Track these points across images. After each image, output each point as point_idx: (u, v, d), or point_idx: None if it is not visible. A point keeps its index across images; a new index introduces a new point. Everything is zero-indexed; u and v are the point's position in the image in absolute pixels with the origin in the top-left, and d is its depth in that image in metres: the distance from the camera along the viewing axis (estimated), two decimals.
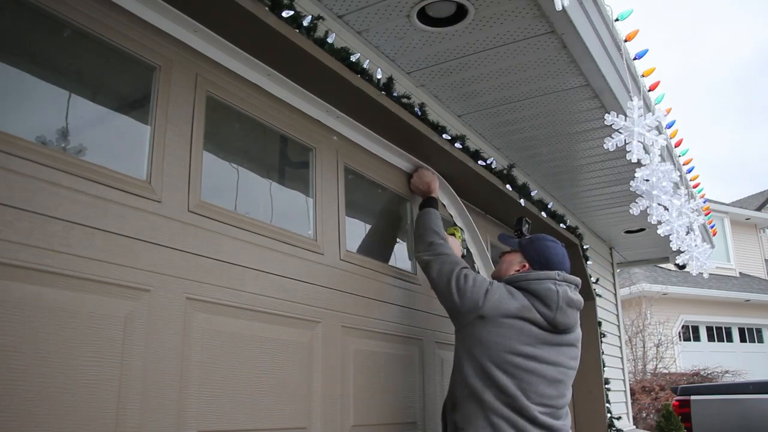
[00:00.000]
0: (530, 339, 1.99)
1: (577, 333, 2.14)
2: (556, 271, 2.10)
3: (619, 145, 2.42)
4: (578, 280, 2.16)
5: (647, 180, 2.54)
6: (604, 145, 2.42)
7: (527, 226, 2.53)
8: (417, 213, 2.55)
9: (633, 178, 2.57)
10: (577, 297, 2.12)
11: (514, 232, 2.52)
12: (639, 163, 2.47)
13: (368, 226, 2.73)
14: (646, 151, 2.47)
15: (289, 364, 1.93)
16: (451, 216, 3.00)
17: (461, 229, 2.92)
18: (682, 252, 3.07)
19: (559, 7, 1.91)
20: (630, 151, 2.38)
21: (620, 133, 2.40)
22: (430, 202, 2.53)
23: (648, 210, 2.59)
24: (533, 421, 1.93)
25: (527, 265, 2.20)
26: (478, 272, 2.81)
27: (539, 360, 1.99)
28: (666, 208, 2.67)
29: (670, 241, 2.78)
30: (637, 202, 2.63)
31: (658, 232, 2.76)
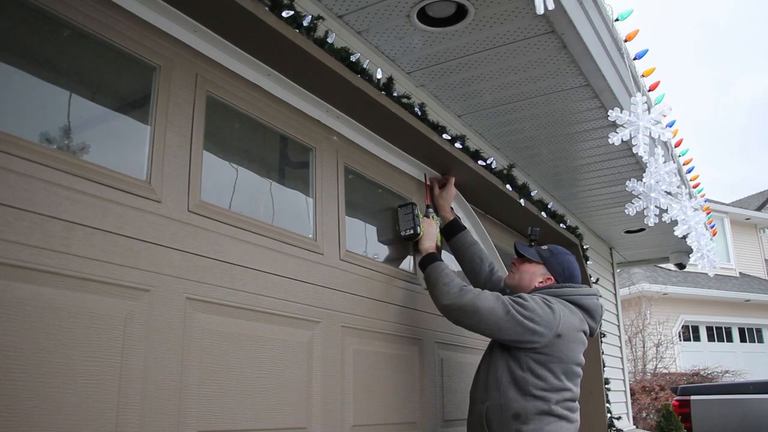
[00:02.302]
0: (583, 348, 2.21)
1: None
2: (585, 286, 2.29)
3: (624, 139, 2.42)
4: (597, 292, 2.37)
5: (646, 182, 2.54)
6: (609, 140, 2.42)
7: (536, 232, 2.59)
8: (419, 267, 2.50)
9: (632, 178, 2.57)
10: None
11: (528, 241, 2.55)
12: (644, 165, 2.47)
13: (368, 226, 2.73)
14: (656, 144, 2.47)
15: (288, 364, 1.93)
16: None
17: (437, 218, 2.86)
18: (693, 251, 3.07)
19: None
20: (636, 144, 2.38)
21: (625, 127, 2.39)
22: (434, 256, 2.45)
23: (645, 212, 2.58)
24: (577, 410, 2.16)
25: (552, 278, 2.32)
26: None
27: (582, 366, 2.21)
28: (664, 210, 2.67)
29: (687, 239, 2.78)
30: (632, 203, 2.63)
31: (676, 233, 2.77)
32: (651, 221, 2.60)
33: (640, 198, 2.59)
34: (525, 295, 2.18)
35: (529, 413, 2.05)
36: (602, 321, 2.34)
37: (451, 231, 2.78)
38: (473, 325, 2.16)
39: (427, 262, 2.40)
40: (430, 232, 2.59)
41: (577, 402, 2.17)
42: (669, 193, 2.61)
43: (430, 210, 2.85)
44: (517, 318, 2.06)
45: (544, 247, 2.41)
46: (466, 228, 2.80)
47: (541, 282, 2.31)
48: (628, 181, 2.64)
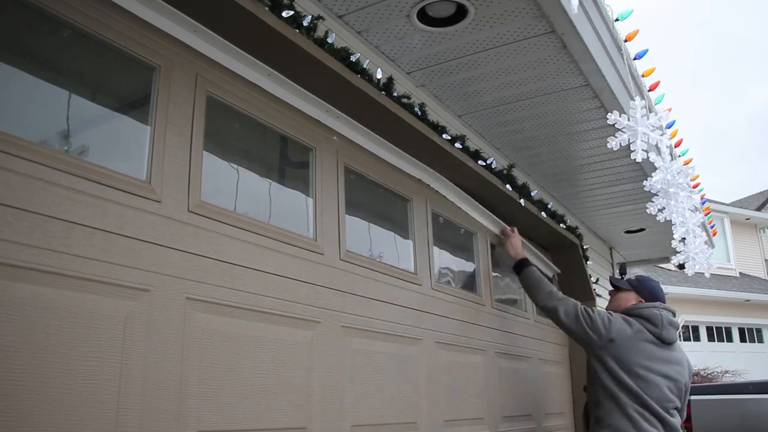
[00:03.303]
0: (647, 353, 2.63)
1: (683, 356, 2.75)
2: (659, 302, 2.79)
3: (623, 144, 2.42)
4: (674, 309, 2.83)
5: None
6: (608, 144, 2.42)
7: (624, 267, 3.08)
8: (513, 272, 3.14)
9: (632, 178, 2.57)
10: (676, 320, 2.78)
11: (620, 275, 3.03)
12: (643, 165, 2.46)
13: (369, 226, 2.74)
14: (656, 150, 2.46)
15: (288, 364, 1.93)
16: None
17: None
18: (679, 252, 3.08)
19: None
20: (634, 150, 2.38)
21: (624, 132, 2.39)
22: (525, 262, 3.12)
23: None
24: (656, 414, 2.55)
25: (642, 299, 2.84)
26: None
27: (652, 371, 2.61)
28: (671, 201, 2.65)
29: (685, 242, 2.82)
30: (653, 201, 2.63)
31: (675, 236, 2.84)
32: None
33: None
34: (601, 310, 2.80)
35: (600, 401, 2.65)
36: (671, 329, 2.70)
37: (523, 266, 3.16)
38: (555, 323, 2.88)
39: (520, 267, 3.07)
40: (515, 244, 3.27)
41: (658, 409, 2.55)
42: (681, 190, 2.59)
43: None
44: (581, 323, 2.72)
45: (632, 277, 3.00)
46: (534, 265, 3.23)
47: (634, 303, 2.82)
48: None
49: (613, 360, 2.64)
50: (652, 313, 2.72)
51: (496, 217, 3.33)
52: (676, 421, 2.62)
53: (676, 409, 2.63)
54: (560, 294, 2.91)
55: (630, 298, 2.89)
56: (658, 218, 2.71)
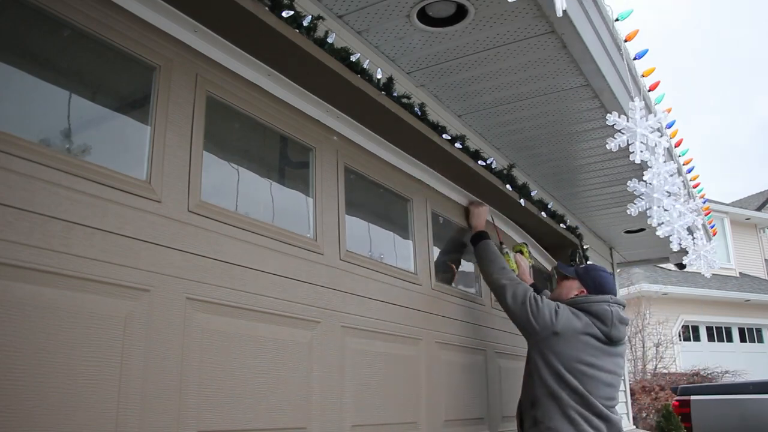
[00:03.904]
0: (592, 350, 2.45)
1: (625, 346, 2.63)
2: (609, 295, 2.57)
3: (621, 146, 2.43)
4: (624, 301, 2.63)
5: (649, 183, 2.54)
6: (607, 146, 2.43)
7: (578, 255, 2.91)
8: (470, 243, 3.03)
9: (632, 178, 2.57)
10: (625, 315, 2.59)
11: (569, 261, 2.84)
12: (642, 165, 2.48)
13: (369, 226, 2.74)
14: (651, 153, 2.48)
15: (288, 364, 1.93)
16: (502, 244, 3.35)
17: (526, 243, 3.47)
18: (688, 252, 3.08)
19: (559, 13, 1.92)
20: (633, 152, 2.39)
21: (623, 133, 2.40)
22: (483, 234, 2.99)
23: (648, 212, 2.59)
24: (599, 414, 2.39)
25: (585, 290, 2.63)
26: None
27: (598, 368, 2.43)
28: (666, 210, 2.66)
29: (671, 242, 2.78)
30: (635, 203, 2.63)
31: (658, 233, 2.76)
32: (655, 222, 2.62)
33: (642, 198, 2.61)
34: (550, 301, 2.56)
35: (538, 400, 2.46)
36: (620, 326, 2.52)
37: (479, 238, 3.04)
38: (501, 305, 2.69)
39: (477, 239, 2.93)
40: (522, 264, 3.22)
41: (602, 409, 2.39)
42: (670, 194, 2.61)
43: (504, 248, 3.27)
44: (527, 310, 2.52)
45: (582, 265, 2.78)
46: (545, 291, 3.13)
47: (576, 294, 2.63)
48: (629, 182, 2.65)
49: (555, 355, 2.44)
50: (602, 309, 2.50)
51: (466, 192, 3.23)
52: (618, 418, 2.47)
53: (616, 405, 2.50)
54: (515, 276, 2.72)
55: (572, 287, 2.67)
56: (649, 222, 2.69)
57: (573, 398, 2.38)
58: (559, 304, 2.55)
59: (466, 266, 3.37)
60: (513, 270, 3.05)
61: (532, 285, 3.08)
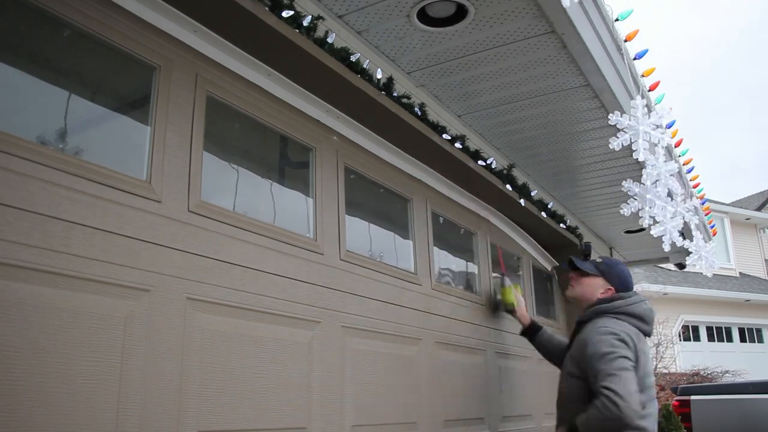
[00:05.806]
0: (647, 357, 2.29)
1: None
2: (636, 293, 2.41)
3: (624, 144, 2.43)
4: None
5: (642, 183, 2.55)
6: (610, 145, 2.43)
7: (589, 246, 2.83)
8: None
9: (633, 178, 2.58)
10: None
11: (582, 255, 2.72)
12: (642, 165, 2.48)
13: (369, 226, 2.74)
14: (652, 152, 2.48)
15: (289, 364, 1.93)
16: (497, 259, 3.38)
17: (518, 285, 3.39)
18: (691, 253, 3.08)
19: (566, 4, 1.93)
20: (636, 150, 2.39)
21: (625, 132, 2.40)
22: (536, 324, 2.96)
23: (639, 213, 2.60)
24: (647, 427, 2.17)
25: (612, 288, 2.44)
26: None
27: (649, 374, 2.27)
28: (659, 209, 2.67)
29: (663, 242, 2.77)
30: (628, 203, 2.64)
31: (652, 233, 2.76)
32: (646, 222, 2.63)
33: (635, 199, 2.62)
34: (601, 350, 2.20)
35: None
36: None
37: (533, 331, 2.96)
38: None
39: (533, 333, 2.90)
40: (520, 301, 3.09)
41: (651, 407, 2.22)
42: (669, 193, 2.62)
43: (506, 278, 3.20)
44: (620, 372, 2.14)
45: (599, 259, 2.57)
46: (543, 327, 3.01)
47: (603, 293, 2.44)
48: (624, 182, 2.66)
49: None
50: (645, 309, 2.37)
51: (547, 254, 3.41)
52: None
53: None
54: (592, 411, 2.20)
55: (597, 285, 2.46)
56: (641, 223, 2.69)
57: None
58: (608, 326, 2.26)
59: (470, 267, 3.37)
60: (512, 304, 3.05)
61: (530, 323, 2.97)
